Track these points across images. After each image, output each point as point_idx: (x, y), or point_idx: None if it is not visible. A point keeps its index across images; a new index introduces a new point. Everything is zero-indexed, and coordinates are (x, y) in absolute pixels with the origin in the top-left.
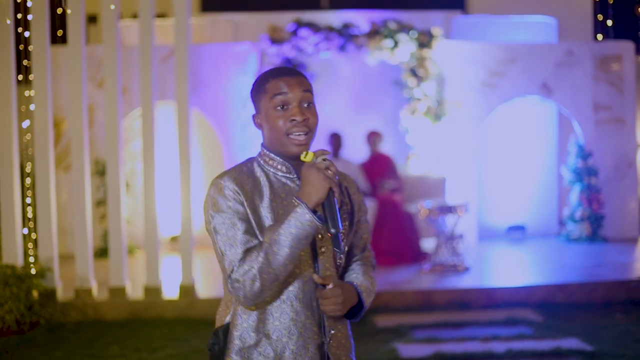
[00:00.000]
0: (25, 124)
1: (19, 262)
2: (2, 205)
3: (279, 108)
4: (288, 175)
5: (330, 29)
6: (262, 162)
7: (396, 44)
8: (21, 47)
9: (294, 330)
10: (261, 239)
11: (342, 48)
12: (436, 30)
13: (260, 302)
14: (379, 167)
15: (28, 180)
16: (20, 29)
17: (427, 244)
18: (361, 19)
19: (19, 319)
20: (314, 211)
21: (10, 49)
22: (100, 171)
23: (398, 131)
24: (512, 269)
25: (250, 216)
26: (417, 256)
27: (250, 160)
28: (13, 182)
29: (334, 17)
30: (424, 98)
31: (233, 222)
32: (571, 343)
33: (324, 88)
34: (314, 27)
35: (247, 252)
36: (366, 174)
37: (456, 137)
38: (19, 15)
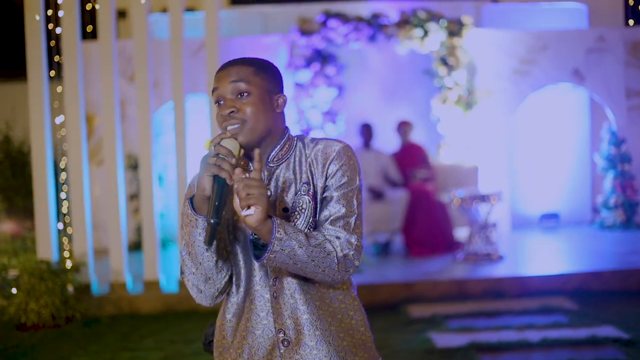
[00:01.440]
0: (59, 119)
1: (54, 257)
2: (36, 201)
3: (217, 104)
4: (249, 170)
5: (360, 19)
6: None
7: (426, 33)
8: (52, 43)
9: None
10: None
11: (371, 38)
12: (466, 19)
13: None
14: (410, 157)
15: (62, 176)
16: (50, 26)
17: (460, 233)
18: (390, 9)
19: (55, 314)
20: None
21: (41, 46)
22: (132, 165)
23: (429, 120)
24: (546, 257)
25: None
26: (450, 246)
27: None
28: (46, 178)
29: (363, 8)
30: (455, 87)
31: None
32: (607, 331)
33: (354, 78)
34: (343, 18)
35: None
36: (398, 164)
37: (488, 125)
38: (50, 12)
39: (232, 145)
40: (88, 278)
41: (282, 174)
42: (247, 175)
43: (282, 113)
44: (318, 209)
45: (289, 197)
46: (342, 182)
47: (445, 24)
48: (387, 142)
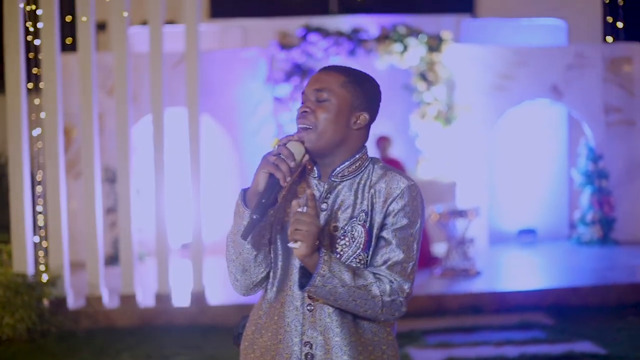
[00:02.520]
0: (36, 132)
1: (30, 270)
2: (12, 213)
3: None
4: (313, 175)
5: (340, 34)
6: None
7: (405, 48)
8: (31, 55)
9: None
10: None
11: (351, 53)
12: (445, 34)
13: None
14: None
15: (39, 188)
16: (30, 37)
17: (438, 248)
18: (370, 24)
19: (30, 327)
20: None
21: (20, 57)
22: (110, 178)
23: (408, 135)
24: (523, 272)
25: None
26: (428, 261)
27: None
28: (23, 191)
29: (343, 22)
30: (434, 102)
31: None
32: (584, 346)
33: None
34: (323, 32)
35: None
36: None
37: (466, 141)
38: (29, 24)
39: (296, 148)
40: (64, 292)
41: (343, 191)
42: (304, 209)
43: (361, 131)
44: (372, 246)
45: (343, 217)
46: (402, 224)
47: (424, 39)
48: None
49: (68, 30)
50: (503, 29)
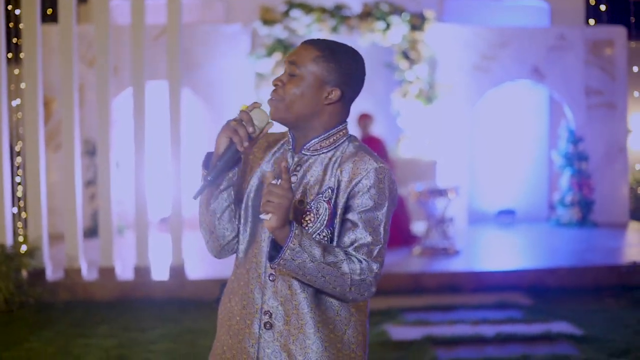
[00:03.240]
0: (15, 102)
1: (8, 241)
2: None
3: None
4: (288, 147)
5: (323, 11)
6: None
7: (388, 26)
8: (11, 25)
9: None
10: None
11: (334, 29)
12: (428, 13)
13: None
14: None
15: (18, 160)
16: (10, 7)
17: (418, 227)
18: (353, 1)
19: (8, 298)
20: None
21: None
22: (90, 151)
23: (389, 114)
24: (502, 252)
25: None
26: (407, 239)
27: None
28: (2, 162)
29: None
30: (416, 81)
31: None
32: (561, 327)
33: None
34: (305, 9)
35: None
36: None
37: (447, 120)
38: None
39: (258, 115)
40: (43, 263)
41: (314, 166)
42: (277, 181)
43: (335, 107)
44: (338, 226)
45: (310, 192)
46: (367, 206)
47: (407, 17)
48: None
49: (49, 1)
50: (486, 9)
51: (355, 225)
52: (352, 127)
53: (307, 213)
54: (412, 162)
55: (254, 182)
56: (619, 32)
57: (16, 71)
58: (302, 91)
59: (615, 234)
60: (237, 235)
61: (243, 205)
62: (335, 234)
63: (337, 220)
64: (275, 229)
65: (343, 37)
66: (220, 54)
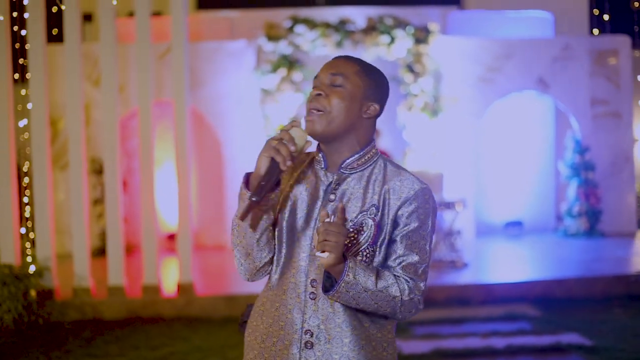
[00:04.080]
0: (22, 122)
1: (17, 261)
2: None
3: (313, 89)
4: (320, 166)
5: (327, 26)
6: None
7: (393, 39)
8: (17, 45)
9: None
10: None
11: (338, 44)
12: (432, 26)
13: (251, 272)
14: None
15: (25, 180)
16: (16, 28)
17: None
18: (357, 15)
19: (17, 319)
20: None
21: (6, 48)
22: (97, 170)
23: (395, 127)
24: (510, 264)
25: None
26: None
27: None
28: (10, 182)
29: (330, 14)
30: (421, 94)
31: None
32: (571, 338)
33: None
34: (310, 24)
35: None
36: None
37: (453, 132)
38: (15, 14)
39: (298, 134)
40: (51, 283)
41: (352, 184)
42: (332, 219)
43: (370, 122)
44: (384, 246)
45: (352, 210)
46: (414, 226)
47: (411, 31)
48: None
49: (54, 20)
50: (490, 21)
51: (402, 245)
52: None
53: (352, 230)
54: (418, 175)
55: (287, 203)
56: (623, 42)
57: (23, 92)
58: (346, 103)
59: (623, 243)
60: (272, 257)
61: (277, 227)
62: (382, 252)
63: (383, 238)
64: (331, 266)
65: (348, 51)
66: (225, 71)
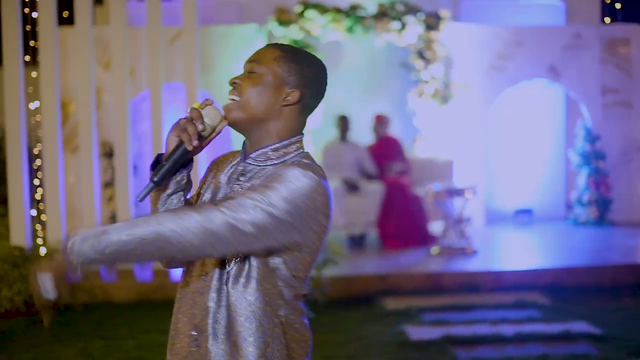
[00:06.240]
0: (33, 105)
1: (27, 243)
2: (10, 187)
3: None
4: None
5: (338, 11)
6: None
7: (404, 26)
8: (28, 28)
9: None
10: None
11: (349, 30)
12: (444, 13)
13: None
14: (386, 150)
15: (37, 162)
16: (27, 10)
17: (435, 227)
18: (369, 1)
19: (28, 301)
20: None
21: (17, 30)
22: (107, 153)
23: (405, 114)
24: (520, 252)
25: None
26: (424, 239)
27: None
28: (21, 164)
29: None
30: (431, 80)
31: None
32: (580, 326)
33: (331, 70)
34: (320, 9)
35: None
36: (374, 157)
37: (463, 119)
38: None
39: (210, 113)
40: None
41: (254, 179)
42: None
43: (292, 111)
44: None
45: None
46: (264, 182)
47: (422, 17)
48: (364, 134)
49: (65, 3)
50: (501, 9)
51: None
52: (369, 127)
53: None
54: (428, 162)
55: (207, 195)
56: (635, 30)
57: (34, 74)
58: (259, 89)
59: (633, 232)
60: None
61: None
62: None
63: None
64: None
65: (359, 37)
66: (236, 55)
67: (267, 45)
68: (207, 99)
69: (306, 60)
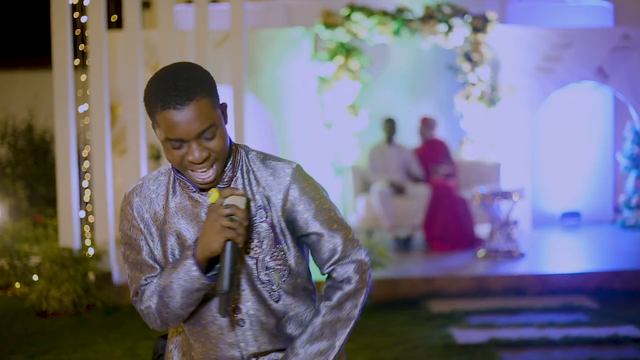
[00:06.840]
0: (82, 108)
1: (76, 245)
2: (59, 188)
3: (174, 148)
4: (190, 190)
5: (384, 14)
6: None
7: (450, 28)
8: (77, 32)
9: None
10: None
11: (396, 32)
12: (491, 15)
13: (174, 327)
14: (433, 152)
15: (85, 164)
16: (76, 14)
17: (481, 229)
18: (415, 3)
19: (76, 301)
20: (210, 265)
21: (67, 34)
22: (155, 155)
23: (452, 116)
24: (567, 255)
25: (149, 240)
26: (471, 242)
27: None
28: (70, 166)
29: (388, 2)
30: (478, 83)
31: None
32: (628, 330)
33: (377, 73)
34: (367, 12)
35: (147, 283)
36: (420, 159)
37: (510, 122)
38: (76, 1)
39: (241, 203)
40: (109, 266)
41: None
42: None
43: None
44: (290, 239)
45: None
46: (312, 205)
47: (469, 19)
48: (411, 137)
49: (114, 7)
50: (548, 10)
51: (319, 234)
52: (416, 129)
53: (251, 241)
54: (475, 165)
55: (169, 243)
56: None
57: (83, 77)
58: (224, 137)
59: None
60: None
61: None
62: (291, 247)
63: (281, 232)
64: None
65: (405, 40)
66: (282, 58)
67: (185, 100)
68: (231, 188)
69: (205, 76)
